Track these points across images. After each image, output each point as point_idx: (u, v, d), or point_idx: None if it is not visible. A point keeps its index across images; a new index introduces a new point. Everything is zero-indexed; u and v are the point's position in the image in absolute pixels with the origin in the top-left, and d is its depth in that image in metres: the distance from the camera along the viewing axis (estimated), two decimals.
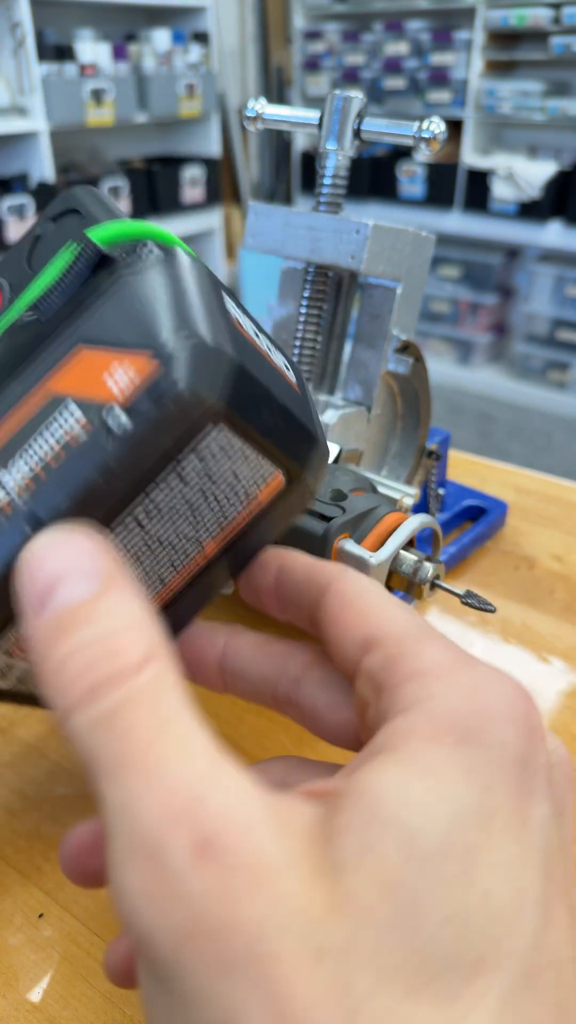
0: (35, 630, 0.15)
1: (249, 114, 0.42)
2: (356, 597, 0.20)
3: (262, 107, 0.42)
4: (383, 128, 0.39)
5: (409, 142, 0.38)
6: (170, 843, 0.13)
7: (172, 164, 2.66)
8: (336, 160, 0.39)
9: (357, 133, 0.39)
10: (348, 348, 0.43)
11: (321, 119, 0.39)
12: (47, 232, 0.23)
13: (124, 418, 0.17)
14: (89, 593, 0.15)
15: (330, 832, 0.14)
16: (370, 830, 0.14)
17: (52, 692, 0.15)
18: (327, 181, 0.40)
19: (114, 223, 0.21)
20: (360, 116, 0.39)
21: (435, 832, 0.14)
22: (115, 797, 0.14)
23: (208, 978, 0.12)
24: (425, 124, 0.37)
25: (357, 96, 0.38)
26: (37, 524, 0.17)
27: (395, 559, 0.34)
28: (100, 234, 0.20)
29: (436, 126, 0.37)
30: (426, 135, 0.37)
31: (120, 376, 0.17)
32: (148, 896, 0.13)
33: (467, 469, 0.61)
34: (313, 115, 0.40)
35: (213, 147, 2.76)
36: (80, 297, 0.20)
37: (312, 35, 2.82)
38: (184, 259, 0.19)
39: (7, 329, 0.21)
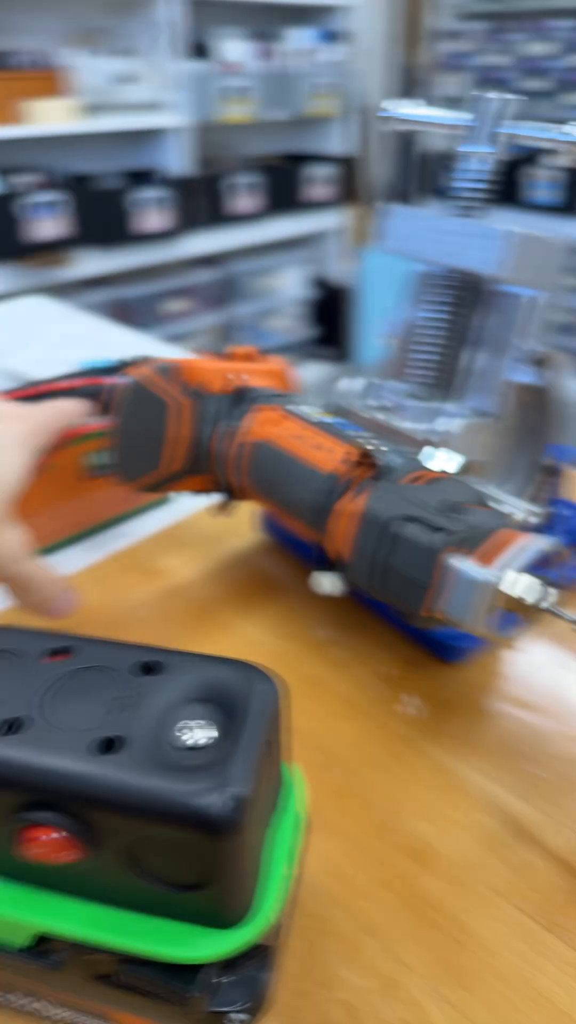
0: None
1: (389, 115, 0.42)
2: None
3: (401, 107, 0.41)
4: (531, 132, 0.37)
5: (555, 146, 0.36)
6: None
7: (304, 161, 2.68)
8: (481, 164, 0.38)
9: (504, 136, 0.38)
10: (479, 356, 0.42)
11: (468, 121, 0.39)
12: None
13: None
14: None
15: None
16: None
17: None
18: (471, 185, 0.39)
19: None
20: (509, 119, 0.38)
21: None
22: None
23: None
24: (574, 129, 0.36)
25: (509, 98, 0.37)
26: None
27: (506, 579, 0.33)
28: None
29: None
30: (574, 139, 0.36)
31: None
32: None
33: None
34: (455, 116, 0.39)
35: (346, 146, 2.76)
36: None
37: (451, 34, 2.77)
38: None
39: None
